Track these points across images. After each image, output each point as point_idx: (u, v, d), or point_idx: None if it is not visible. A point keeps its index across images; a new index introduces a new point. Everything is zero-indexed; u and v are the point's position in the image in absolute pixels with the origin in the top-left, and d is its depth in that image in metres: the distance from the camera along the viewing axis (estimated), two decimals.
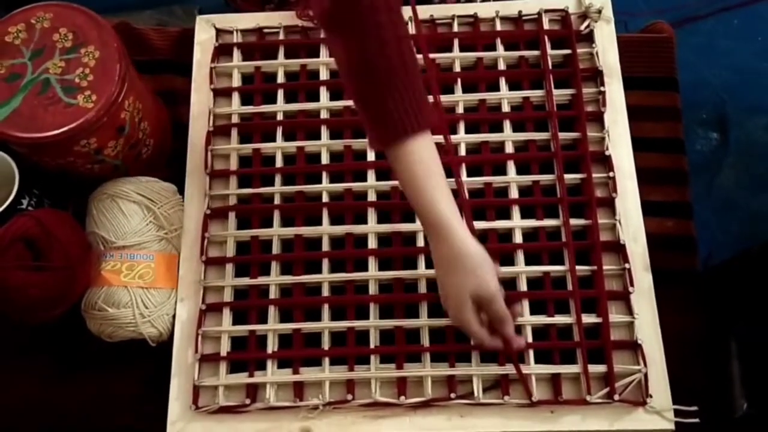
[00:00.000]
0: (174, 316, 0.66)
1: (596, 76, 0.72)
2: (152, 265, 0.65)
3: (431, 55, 0.73)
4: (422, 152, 0.53)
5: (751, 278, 0.68)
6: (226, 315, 0.66)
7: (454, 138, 0.70)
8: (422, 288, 0.66)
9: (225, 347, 0.65)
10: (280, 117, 0.72)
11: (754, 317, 0.68)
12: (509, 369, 0.62)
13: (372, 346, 0.64)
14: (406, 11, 0.73)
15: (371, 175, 0.70)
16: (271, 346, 0.64)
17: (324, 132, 0.71)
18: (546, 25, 0.74)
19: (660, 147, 0.74)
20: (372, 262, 0.67)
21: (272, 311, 0.65)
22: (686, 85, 0.78)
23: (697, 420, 0.61)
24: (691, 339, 0.67)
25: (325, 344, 0.64)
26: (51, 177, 0.68)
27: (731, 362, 0.67)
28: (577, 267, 0.65)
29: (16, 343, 0.69)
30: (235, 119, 0.73)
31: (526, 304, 0.65)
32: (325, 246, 0.67)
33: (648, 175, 0.71)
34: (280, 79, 0.74)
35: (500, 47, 0.74)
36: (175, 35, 0.80)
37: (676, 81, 0.77)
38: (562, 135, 0.70)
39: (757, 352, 0.66)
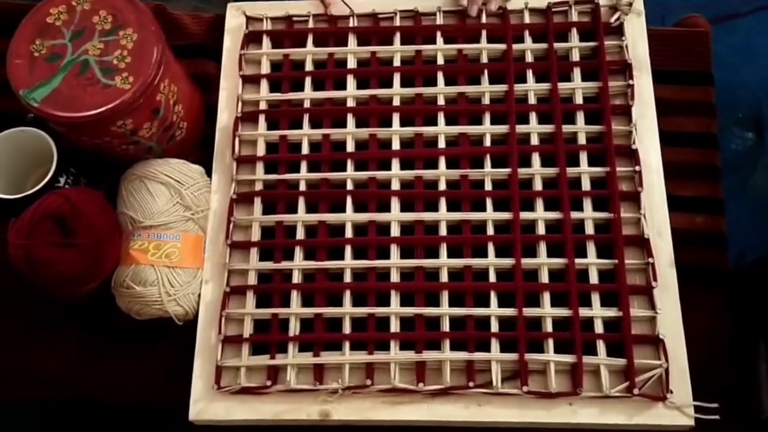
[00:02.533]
0: (199, 296, 0.67)
1: (625, 69, 0.72)
2: (178, 245, 0.66)
3: (459, 46, 0.73)
4: None
5: None
6: (250, 298, 0.67)
7: (479, 129, 0.70)
8: (444, 277, 0.66)
9: (248, 329, 0.66)
10: (307, 104, 0.73)
11: None
12: (528, 357, 0.62)
13: (392, 331, 0.64)
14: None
15: (395, 164, 0.70)
16: (293, 329, 0.65)
17: (350, 120, 0.72)
18: (575, 17, 0.74)
19: (692, 142, 0.74)
20: (394, 250, 0.67)
21: (294, 295, 0.66)
22: (722, 83, 0.77)
23: (717, 417, 0.60)
24: (719, 338, 0.67)
25: (346, 329, 0.65)
26: (88, 156, 0.70)
27: (759, 363, 0.67)
28: (600, 260, 0.65)
29: (49, 318, 0.71)
30: (262, 106, 0.74)
31: (547, 295, 0.65)
32: (348, 233, 0.68)
33: (678, 170, 0.71)
34: (308, 67, 0.74)
35: (528, 39, 0.73)
36: (209, 21, 0.81)
37: (711, 75, 0.76)
38: (588, 128, 0.70)
39: None
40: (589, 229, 0.66)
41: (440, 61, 0.74)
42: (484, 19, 0.74)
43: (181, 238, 0.67)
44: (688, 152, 0.73)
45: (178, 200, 0.67)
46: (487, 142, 0.70)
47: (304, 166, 0.71)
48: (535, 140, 0.70)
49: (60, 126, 0.65)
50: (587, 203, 0.67)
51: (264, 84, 0.75)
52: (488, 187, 0.69)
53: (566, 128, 0.70)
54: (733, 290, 0.69)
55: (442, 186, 0.69)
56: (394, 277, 0.66)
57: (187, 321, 0.68)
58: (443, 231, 0.67)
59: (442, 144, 0.71)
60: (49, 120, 0.63)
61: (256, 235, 0.69)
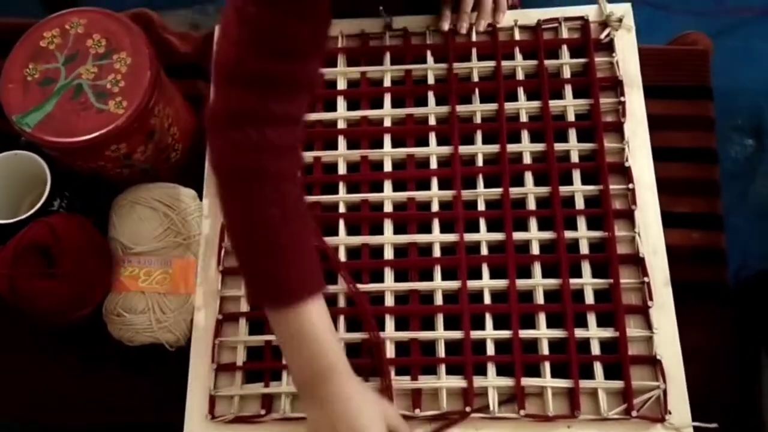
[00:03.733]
0: (191, 321, 0.67)
1: (616, 85, 0.71)
2: (169, 271, 0.66)
3: (448, 65, 0.73)
4: (316, 315, 0.51)
5: None
6: (243, 325, 0.66)
7: (471, 148, 0.70)
8: (438, 299, 0.65)
9: (241, 357, 0.65)
10: None
11: None
12: (525, 382, 0.62)
13: (388, 356, 0.64)
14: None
15: (387, 185, 0.69)
16: None
17: (341, 142, 0.71)
18: (565, 34, 0.74)
19: (691, 157, 0.74)
20: (388, 273, 0.67)
21: None
22: (722, 90, 0.77)
23: None
24: (719, 354, 0.67)
25: None
26: (82, 179, 0.70)
27: (762, 377, 0.66)
28: (595, 280, 0.65)
29: (45, 341, 0.71)
30: None
31: (543, 317, 0.64)
32: (342, 257, 0.67)
33: (676, 186, 0.71)
34: None
35: (519, 56, 0.73)
36: (198, 40, 0.81)
37: (710, 90, 0.76)
38: (580, 146, 0.69)
39: None
40: (584, 249, 0.66)
41: (431, 80, 0.73)
42: (474, 38, 0.74)
43: (173, 264, 0.66)
44: (687, 167, 0.73)
45: (169, 225, 0.67)
46: (480, 162, 0.70)
47: None
48: (527, 159, 0.70)
49: (53, 151, 0.64)
50: (581, 222, 0.67)
51: None
52: (481, 207, 0.68)
53: (558, 146, 0.69)
54: (734, 305, 0.68)
55: (435, 207, 0.68)
56: (389, 301, 0.66)
57: (179, 347, 0.67)
58: (437, 252, 0.67)
59: (434, 164, 0.70)
60: (42, 145, 0.63)
61: None
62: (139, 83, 0.63)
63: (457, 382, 0.62)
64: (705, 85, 0.76)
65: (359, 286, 0.66)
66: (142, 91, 0.63)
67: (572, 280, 0.65)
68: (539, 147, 0.70)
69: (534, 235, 0.67)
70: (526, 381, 0.62)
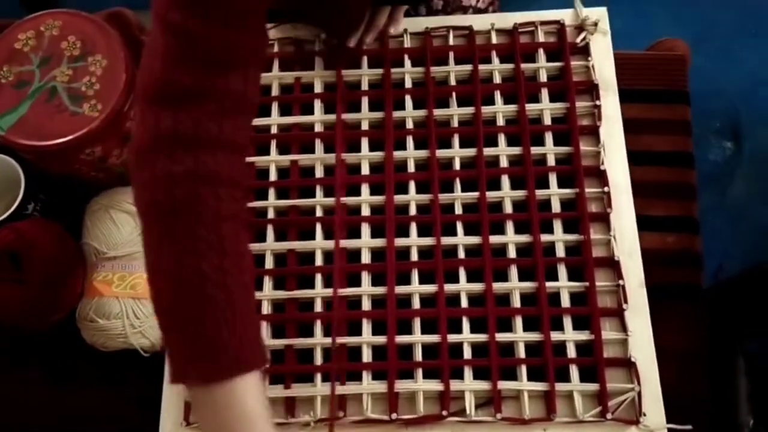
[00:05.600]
0: None
1: (592, 89, 0.72)
2: (144, 275, 0.64)
3: (425, 69, 0.73)
4: (252, 396, 0.43)
5: (761, 293, 0.68)
6: None
7: (448, 152, 0.70)
8: (415, 303, 0.65)
9: None
10: (274, 130, 0.72)
11: (763, 332, 0.67)
12: (502, 385, 0.62)
13: (364, 361, 0.64)
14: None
15: (365, 189, 0.69)
16: None
17: (318, 145, 0.71)
18: (541, 38, 0.74)
19: (667, 161, 0.74)
20: (365, 277, 0.66)
21: (264, 326, 0.65)
22: (699, 92, 0.78)
23: None
24: (696, 355, 0.67)
25: (317, 360, 0.64)
26: (57, 182, 0.69)
27: (738, 378, 0.67)
28: (571, 283, 0.65)
29: (13, 351, 0.70)
30: None
31: (519, 320, 0.64)
32: (318, 261, 0.67)
33: (652, 189, 0.71)
34: (275, 91, 0.73)
35: (495, 60, 0.73)
36: None
37: (687, 95, 0.76)
38: (556, 149, 0.70)
39: (765, 368, 0.65)
40: (560, 252, 0.66)
41: (408, 84, 0.73)
42: (451, 41, 0.74)
43: None
44: (663, 171, 0.74)
45: None
46: (457, 166, 0.70)
47: (272, 192, 0.70)
48: (504, 162, 0.70)
49: (27, 154, 0.64)
50: (557, 225, 0.67)
51: None
52: (458, 210, 0.68)
53: (535, 150, 0.70)
54: (709, 307, 0.69)
55: (413, 211, 0.68)
56: (366, 305, 0.65)
57: (155, 352, 0.66)
58: (414, 256, 0.67)
59: (411, 168, 0.70)
60: (15, 148, 0.62)
61: None
62: (114, 86, 0.62)
63: (434, 385, 0.62)
64: (682, 89, 0.77)
65: (336, 290, 0.66)
66: (117, 93, 0.62)
67: (548, 284, 0.65)
68: (516, 150, 0.70)
69: (510, 238, 0.67)
70: (502, 384, 0.62)
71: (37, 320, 0.65)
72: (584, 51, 0.73)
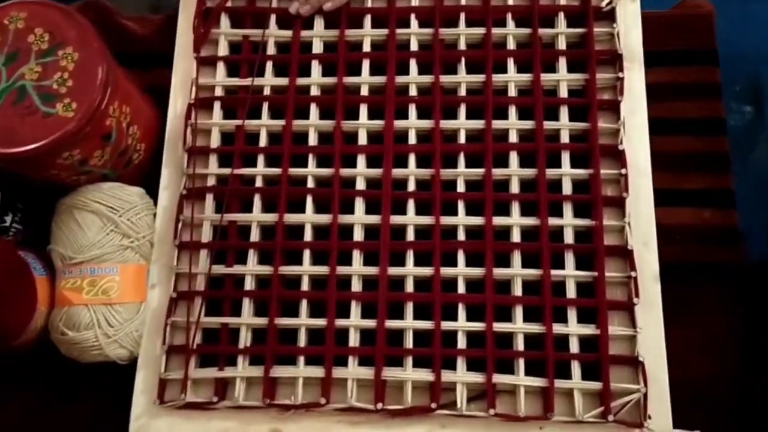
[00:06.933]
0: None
1: (615, 60, 0.65)
2: (116, 278, 0.60)
3: (434, 30, 0.67)
4: None
5: None
6: (198, 305, 0.62)
7: (453, 123, 0.64)
8: (409, 286, 0.61)
9: (195, 339, 0.61)
10: (267, 91, 0.67)
11: None
12: (497, 379, 0.57)
13: (351, 345, 0.60)
14: None
15: (361, 160, 0.64)
16: (244, 340, 0.60)
17: (313, 110, 0.66)
18: (563, 0, 0.67)
19: (698, 128, 0.68)
20: (356, 256, 0.62)
21: (246, 303, 0.61)
22: (718, 53, 0.71)
23: None
24: (736, 340, 0.63)
25: (301, 341, 0.60)
26: (37, 189, 0.63)
27: None
28: (578, 272, 0.60)
29: None
30: (218, 92, 0.67)
31: (519, 310, 0.60)
32: (308, 236, 0.63)
33: (683, 161, 0.67)
34: (270, 50, 0.68)
35: (511, 23, 0.67)
36: (159, 23, 0.73)
37: (716, 54, 0.70)
38: (571, 125, 0.64)
39: None
40: (569, 238, 0.61)
41: (414, 47, 0.67)
42: (463, 1, 0.68)
43: (119, 270, 0.60)
44: (694, 141, 0.68)
45: (112, 228, 0.61)
46: (462, 139, 0.64)
47: (261, 160, 0.65)
48: (513, 137, 0.64)
49: None
50: (567, 209, 0.62)
51: (221, 67, 0.68)
52: (461, 188, 0.63)
53: (548, 125, 0.64)
54: (748, 288, 0.64)
55: (411, 186, 0.63)
56: (356, 286, 0.61)
57: (134, 360, 0.61)
58: (411, 236, 0.62)
59: (413, 139, 0.65)
60: None
61: (207, 235, 0.63)
62: (89, 81, 0.56)
63: (424, 375, 0.58)
64: (711, 48, 0.70)
65: (325, 268, 0.61)
66: (94, 90, 0.56)
67: (554, 272, 0.60)
68: (527, 125, 0.64)
69: (516, 220, 0.62)
70: (497, 378, 0.58)
71: None
72: (609, 16, 0.67)
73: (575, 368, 0.58)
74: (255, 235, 0.63)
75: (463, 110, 0.65)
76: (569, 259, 0.60)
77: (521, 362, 0.58)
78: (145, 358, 0.61)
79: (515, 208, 0.62)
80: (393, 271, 0.61)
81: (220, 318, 0.61)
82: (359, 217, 0.63)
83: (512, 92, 0.65)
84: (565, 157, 0.63)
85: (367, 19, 0.68)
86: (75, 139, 0.56)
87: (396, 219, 0.62)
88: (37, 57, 0.57)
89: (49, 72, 0.57)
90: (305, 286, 0.61)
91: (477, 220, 0.62)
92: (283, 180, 0.64)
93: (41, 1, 0.59)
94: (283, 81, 0.67)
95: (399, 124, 0.65)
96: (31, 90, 0.57)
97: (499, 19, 0.67)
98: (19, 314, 0.59)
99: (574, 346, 0.58)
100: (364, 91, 0.66)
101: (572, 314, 0.59)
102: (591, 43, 0.65)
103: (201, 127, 0.66)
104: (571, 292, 0.60)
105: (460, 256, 0.61)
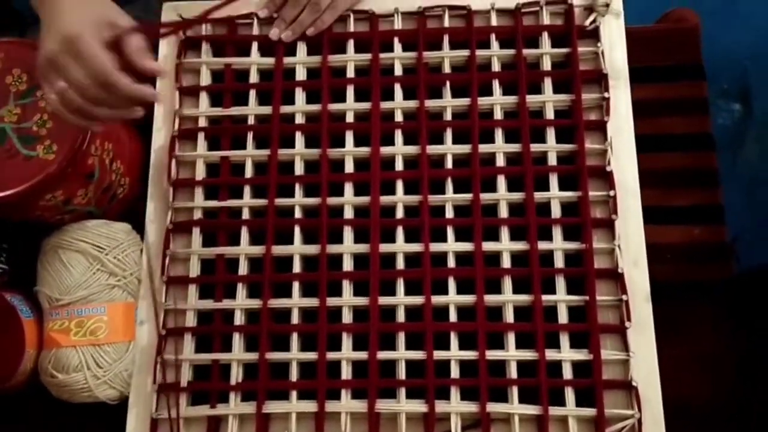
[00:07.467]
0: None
1: (600, 79, 0.65)
2: (104, 318, 0.59)
3: (417, 54, 0.66)
4: None
5: None
6: (188, 341, 0.61)
7: (440, 148, 0.64)
8: (400, 316, 0.60)
9: (186, 376, 0.60)
10: (251, 121, 0.66)
11: None
12: (491, 408, 0.57)
13: (343, 378, 0.59)
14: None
15: (348, 188, 0.64)
16: (235, 376, 0.60)
17: (298, 139, 0.65)
18: (546, 20, 0.67)
19: (686, 144, 0.68)
20: (346, 286, 0.61)
21: (237, 338, 0.61)
22: (704, 53, 0.71)
23: None
24: (731, 359, 0.62)
25: (293, 376, 0.60)
26: (22, 227, 0.62)
27: None
28: (570, 297, 0.60)
29: None
30: (202, 122, 0.67)
31: (512, 336, 0.59)
32: (297, 267, 0.62)
33: (672, 178, 0.66)
34: (253, 78, 0.67)
35: (495, 44, 0.66)
36: None
37: (702, 68, 0.69)
38: (558, 147, 0.63)
39: None
40: (559, 262, 0.61)
41: (398, 71, 0.66)
42: (446, 23, 0.67)
43: (107, 309, 0.60)
44: (683, 157, 0.68)
45: (98, 267, 0.60)
46: (449, 164, 0.64)
47: (247, 191, 0.64)
48: (501, 161, 0.64)
49: None
50: (557, 232, 0.62)
51: (204, 97, 0.67)
52: (449, 214, 0.62)
53: (535, 147, 0.63)
54: (739, 304, 0.64)
55: (400, 213, 0.63)
56: (346, 317, 0.61)
57: (126, 399, 0.60)
58: (400, 264, 0.62)
59: (399, 166, 0.64)
60: None
61: (194, 269, 0.63)
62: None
63: (418, 406, 0.58)
64: (697, 63, 0.70)
65: (315, 300, 0.61)
66: (74, 130, 0.55)
67: (545, 297, 0.60)
68: (514, 148, 0.64)
69: (505, 245, 0.61)
70: (491, 406, 0.57)
71: None
72: (593, 35, 0.66)
73: (569, 394, 0.58)
74: (243, 268, 0.62)
75: (449, 135, 0.64)
76: (560, 283, 0.60)
77: (515, 390, 0.58)
78: (136, 396, 0.60)
79: (504, 232, 0.62)
80: (384, 300, 0.61)
81: (211, 354, 0.61)
82: (348, 247, 0.62)
83: (498, 115, 0.65)
84: (553, 180, 0.63)
85: (350, 44, 0.67)
86: (57, 181, 0.56)
87: (385, 247, 0.62)
88: (16, 98, 0.57)
89: (28, 114, 0.56)
90: (295, 319, 0.61)
91: (467, 246, 0.61)
92: (270, 211, 0.63)
93: (18, 40, 0.58)
94: (266, 109, 0.66)
95: (385, 150, 0.64)
96: (11, 132, 0.56)
97: (483, 40, 0.67)
98: (7, 359, 0.58)
99: (567, 372, 0.58)
100: (350, 118, 0.66)
101: (564, 339, 0.59)
102: (575, 62, 0.65)
103: (185, 159, 0.66)
104: (562, 317, 0.59)
105: (451, 284, 0.61)
